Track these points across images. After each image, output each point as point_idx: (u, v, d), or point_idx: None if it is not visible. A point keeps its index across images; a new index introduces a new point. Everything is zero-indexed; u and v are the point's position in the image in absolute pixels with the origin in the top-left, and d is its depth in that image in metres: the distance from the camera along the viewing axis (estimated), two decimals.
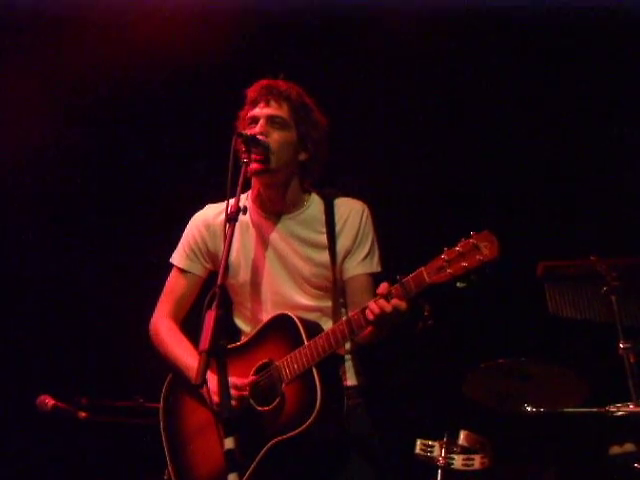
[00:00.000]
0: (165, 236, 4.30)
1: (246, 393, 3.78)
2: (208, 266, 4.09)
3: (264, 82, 4.00)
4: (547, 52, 6.31)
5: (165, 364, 4.08)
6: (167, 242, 4.24)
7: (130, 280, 4.60)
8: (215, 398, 3.65)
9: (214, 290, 3.58)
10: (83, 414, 5.07)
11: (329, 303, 3.96)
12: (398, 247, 4.02)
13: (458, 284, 3.53)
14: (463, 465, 5.46)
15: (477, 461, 5.48)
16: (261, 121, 3.91)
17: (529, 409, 5.30)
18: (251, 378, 3.82)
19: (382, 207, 4.10)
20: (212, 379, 3.56)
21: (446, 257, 3.53)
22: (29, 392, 5.18)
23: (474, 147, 6.43)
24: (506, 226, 3.70)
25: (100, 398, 5.13)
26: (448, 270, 3.52)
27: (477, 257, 3.49)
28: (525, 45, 6.30)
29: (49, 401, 5.08)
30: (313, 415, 3.67)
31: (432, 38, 6.27)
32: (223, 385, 3.52)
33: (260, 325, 3.95)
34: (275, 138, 3.90)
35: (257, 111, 3.94)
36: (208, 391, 3.70)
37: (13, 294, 6.87)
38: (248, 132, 3.86)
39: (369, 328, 3.71)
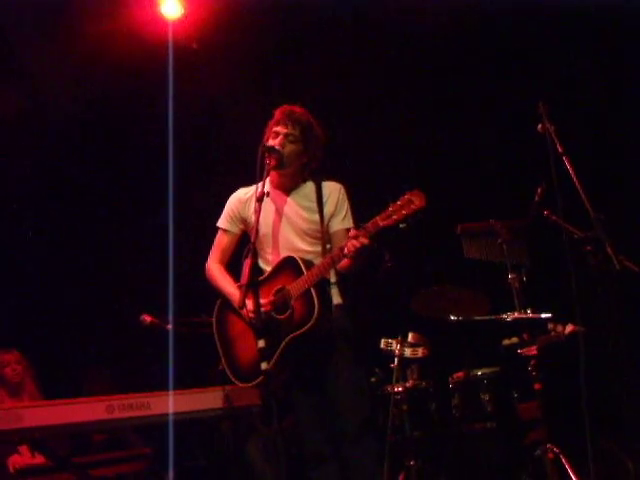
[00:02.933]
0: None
1: (269, 308, 3.79)
2: (241, 227, 4.07)
3: (286, 108, 3.96)
4: None
5: (216, 292, 4.07)
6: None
7: (197, 242, 4.51)
8: (251, 314, 3.66)
9: (249, 246, 3.62)
10: (168, 326, 5.02)
11: (319, 248, 3.93)
12: (361, 209, 3.98)
13: (400, 225, 3.54)
14: (411, 354, 5.43)
15: (420, 352, 5.48)
16: (280, 137, 3.89)
17: (453, 318, 5.31)
18: (271, 298, 3.82)
19: (351, 185, 4.06)
20: (248, 302, 3.60)
21: (392, 209, 3.55)
22: (135, 312, 5.12)
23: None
24: (434, 193, 3.62)
25: (179, 315, 5.08)
26: (393, 217, 3.54)
27: (412, 207, 3.51)
28: None
29: (147, 318, 5.03)
30: (313, 318, 3.69)
31: None
32: (257, 305, 3.57)
33: (275, 264, 3.93)
34: (287, 149, 3.89)
35: (278, 129, 3.92)
36: (246, 309, 3.69)
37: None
38: (270, 143, 3.86)
39: (346, 260, 3.72)
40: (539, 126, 3.79)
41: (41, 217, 6.68)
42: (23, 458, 5.19)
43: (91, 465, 4.86)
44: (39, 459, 5.17)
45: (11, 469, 5.04)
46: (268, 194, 3.80)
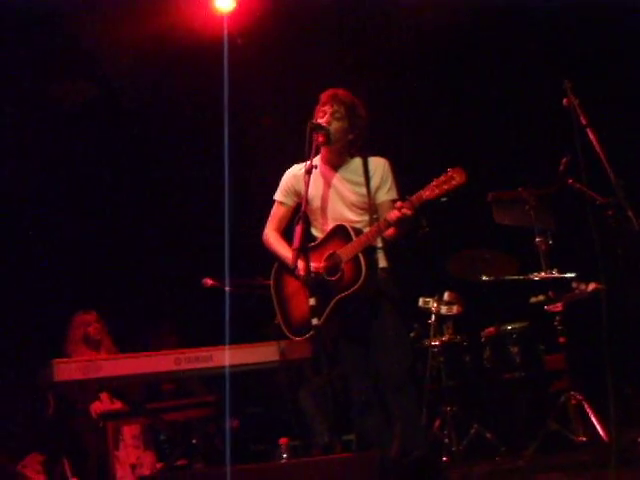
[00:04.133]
0: None
1: (321, 271, 3.84)
2: (295, 199, 4.10)
3: (331, 90, 3.97)
4: None
5: (273, 257, 4.12)
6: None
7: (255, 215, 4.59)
8: (302, 274, 3.73)
9: (300, 214, 3.68)
10: (229, 288, 5.07)
11: (367, 218, 3.94)
12: (407, 182, 4.00)
13: (442, 199, 3.58)
14: (447, 311, 5.47)
15: (455, 309, 5.51)
16: (327, 115, 3.91)
17: (485, 278, 5.33)
18: (323, 262, 3.87)
19: (396, 160, 4.07)
20: (300, 263, 3.68)
21: (435, 183, 3.60)
22: (198, 275, 5.19)
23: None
24: (472, 167, 3.64)
25: (237, 277, 5.11)
26: (436, 191, 3.58)
27: (453, 182, 3.55)
28: None
29: (208, 281, 5.12)
30: (361, 280, 3.74)
31: None
32: (308, 267, 3.64)
33: (326, 232, 3.97)
34: (334, 126, 3.90)
35: (325, 109, 3.93)
36: (298, 270, 3.76)
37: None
38: (318, 121, 3.88)
39: (391, 229, 3.77)
40: (564, 100, 3.77)
41: (112, 187, 6.75)
42: (103, 404, 5.38)
43: (162, 410, 4.99)
44: (117, 405, 5.36)
45: (93, 414, 5.21)
46: (316, 167, 3.83)
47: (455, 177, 3.56)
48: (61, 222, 6.50)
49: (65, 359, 4.55)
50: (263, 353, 4.60)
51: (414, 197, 3.65)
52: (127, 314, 6.43)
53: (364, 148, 4.03)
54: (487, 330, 5.54)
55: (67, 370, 4.20)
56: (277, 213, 4.15)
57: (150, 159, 6.70)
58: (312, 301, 3.56)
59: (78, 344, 5.62)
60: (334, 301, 3.80)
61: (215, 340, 4.76)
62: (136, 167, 6.73)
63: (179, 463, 5.49)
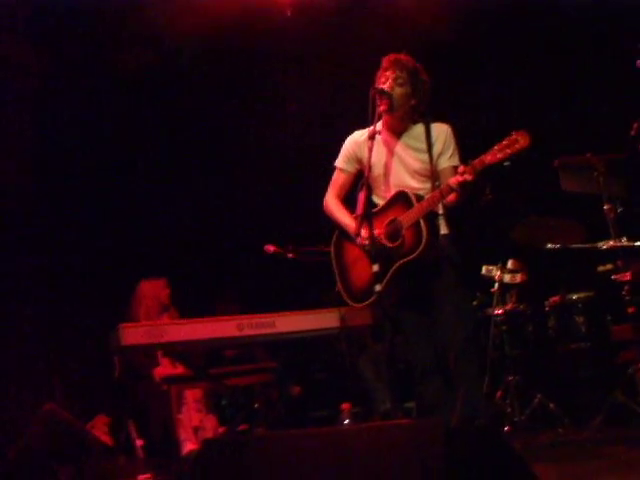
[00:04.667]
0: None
1: (382, 237, 3.86)
2: (357, 166, 4.11)
3: (393, 56, 3.95)
4: None
5: (334, 224, 4.16)
6: None
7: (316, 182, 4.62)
8: (366, 241, 3.77)
9: (362, 180, 3.71)
10: (291, 255, 5.17)
11: (429, 185, 3.93)
12: (468, 148, 3.98)
13: (505, 163, 3.56)
14: (511, 280, 5.42)
15: (518, 277, 5.46)
16: (389, 80, 3.89)
17: (550, 246, 5.27)
18: (384, 229, 3.89)
19: (458, 126, 4.05)
20: (363, 230, 3.72)
21: (497, 147, 3.57)
22: (260, 243, 5.27)
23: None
24: (537, 131, 3.59)
25: (300, 245, 5.20)
26: (499, 155, 3.55)
27: (516, 146, 3.52)
28: None
29: (270, 248, 5.19)
30: (421, 247, 3.76)
31: None
32: (370, 233, 3.67)
33: (388, 198, 3.98)
34: (396, 91, 3.88)
35: (387, 74, 3.91)
36: (361, 237, 3.80)
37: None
38: (381, 87, 3.86)
39: (452, 195, 3.77)
40: (637, 62, 3.68)
41: (168, 157, 6.83)
42: (165, 369, 5.53)
43: (225, 375, 5.11)
44: (179, 369, 5.51)
45: (157, 378, 5.36)
46: (380, 132, 3.83)
47: (519, 140, 3.52)
48: (125, 188, 6.64)
49: (131, 324, 4.69)
50: (324, 320, 4.66)
51: (476, 162, 3.63)
52: (190, 281, 6.56)
53: (427, 114, 4.01)
54: (552, 299, 5.49)
55: (133, 335, 4.34)
56: (338, 180, 4.17)
57: (208, 125, 6.75)
58: (375, 267, 3.58)
59: (146, 309, 5.77)
60: (395, 267, 3.82)
61: (277, 307, 4.86)
62: (195, 133, 6.78)
63: (241, 428, 5.64)
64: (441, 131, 3.97)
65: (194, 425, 5.49)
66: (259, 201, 6.89)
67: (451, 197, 3.79)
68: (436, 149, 3.93)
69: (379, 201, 4.03)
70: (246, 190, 6.92)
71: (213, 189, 6.94)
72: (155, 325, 4.58)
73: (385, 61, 3.96)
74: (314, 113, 6.57)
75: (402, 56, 3.96)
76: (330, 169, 4.20)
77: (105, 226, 6.57)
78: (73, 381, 6.02)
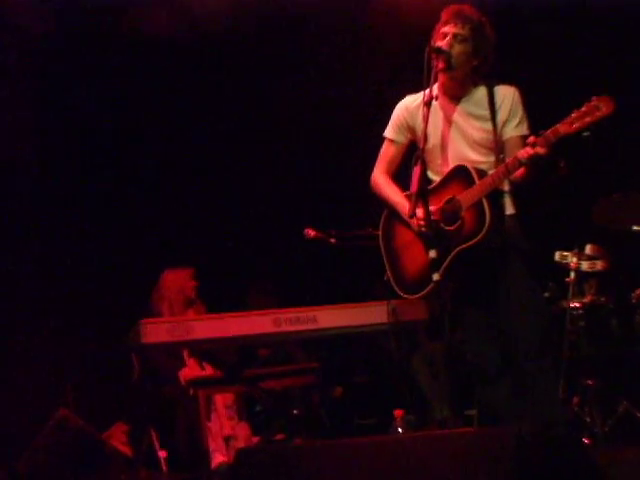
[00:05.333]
0: None
1: (438, 217, 3.85)
2: (409, 137, 4.11)
3: (455, 7, 3.93)
4: None
5: (383, 203, 4.17)
6: None
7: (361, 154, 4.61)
8: (421, 223, 3.78)
9: (417, 152, 3.71)
10: (333, 240, 5.16)
11: (492, 158, 3.90)
12: (539, 115, 3.95)
13: (584, 134, 3.53)
14: (589, 267, 5.36)
15: (599, 265, 5.40)
16: (448, 37, 3.87)
17: (636, 228, 5.24)
18: (441, 207, 3.89)
19: (528, 90, 4.01)
20: (418, 210, 3.72)
21: (575, 115, 3.53)
22: (299, 227, 5.28)
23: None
24: (622, 97, 3.53)
25: (343, 229, 5.20)
26: (576, 124, 3.52)
27: (597, 114, 3.47)
28: None
29: (311, 232, 5.18)
30: (484, 230, 3.75)
31: None
32: (427, 214, 3.68)
33: (445, 174, 3.97)
34: (456, 49, 3.86)
35: (446, 29, 3.89)
36: (416, 218, 3.78)
37: None
38: (438, 44, 3.84)
39: (520, 170, 3.75)
40: None
41: (205, 137, 6.92)
42: (192, 370, 5.61)
43: (259, 378, 5.15)
44: (208, 371, 5.59)
45: (182, 381, 5.42)
46: (437, 97, 3.82)
47: (601, 107, 3.48)
48: (144, 164, 6.76)
49: (153, 319, 4.76)
50: (371, 314, 4.68)
51: (549, 132, 3.59)
52: (219, 271, 6.64)
53: (490, 75, 3.99)
54: (638, 291, 5.43)
55: (155, 332, 4.41)
56: (387, 153, 4.18)
57: (241, 98, 6.82)
58: (432, 253, 3.59)
59: (170, 303, 5.85)
60: (453, 254, 3.82)
61: (318, 299, 4.89)
62: (228, 107, 6.84)
63: (277, 437, 5.70)
64: (507, 95, 3.94)
65: (225, 434, 5.55)
66: (297, 180, 6.92)
67: (519, 172, 3.77)
68: (501, 116, 3.90)
69: (435, 177, 4.03)
70: (282, 167, 6.96)
71: (244, 166, 6.99)
72: (180, 321, 4.65)
73: (445, 13, 3.94)
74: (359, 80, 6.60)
75: (465, 7, 3.93)
76: (378, 142, 4.20)
77: (123, 209, 6.67)
78: (87, 384, 6.11)
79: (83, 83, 6.35)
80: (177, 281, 5.95)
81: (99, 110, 6.45)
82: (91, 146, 6.55)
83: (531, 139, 3.65)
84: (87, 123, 6.47)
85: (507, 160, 3.77)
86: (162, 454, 5.39)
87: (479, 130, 3.94)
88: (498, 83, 3.98)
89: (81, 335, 6.28)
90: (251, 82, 6.71)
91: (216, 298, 5.96)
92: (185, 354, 5.66)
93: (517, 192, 3.95)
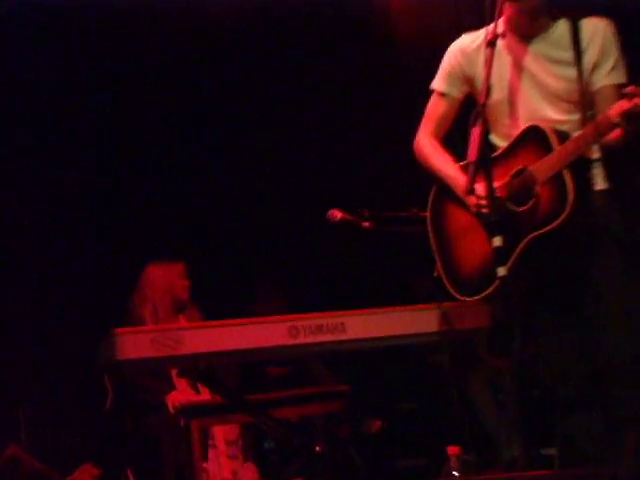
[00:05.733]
0: None
1: (504, 194, 3.81)
2: (465, 88, 4.09)
3: None
4: None
5: (430, 176, 4.14)
6: None
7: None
8: (482, 202, 3.73)
9: (477, 109, 3.65)
10: (367, 224, 5.14)
11: (577, 116, 3.86)
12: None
13: None
14: None
15: None
16: None
17: None
18: (508, 182, 3.85)
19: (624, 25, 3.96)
20: (478, 186, 3.67)
21: None
22: (322, 208, 5.28)
23: None
24: None
25: (381, 210, 5.19)
26: None
27: None
28: None
29: (338, 214, 5.17)
30: (566, 211, 3.69)
31: None
32: (490, 190, 3.63)
33: (513, 138, 3.93)
34: None
35: None
36: (475, 196, 3.75)
37: None
38: None
39: (616, 131, 3.68)
40: None
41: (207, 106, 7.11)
42: (183, 395, 5.60)
43: (271, 404, 5.10)
44: (204, 396, 5.57)
45: (171, 408, 5.43)
46: (502, 35, 3.81)
47: None
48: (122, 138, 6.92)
49: (132, 328, 4.73)
50: (417, 321, 4.60)
51: None
52: (218, 266, 6.72)
53: (573, 6, 3.94)
54: None
55: (135, 344, 4.33)
56: (436, 110, 4.16)
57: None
58: (497, 241, 3.54)
59: (154, 308, 5.88)
60: (525, 242, 3.79)
61: (346, 302, 4.84)
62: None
63: None
64: (596, 30, 3.88)
65: (225, 478, 5.57)
66: (315, 147, 6.99)
67: (613, 134, 3.72)
68: (589, 58, 3.86)
69: (501, 142, 4.01)
70: (301, 134, 7.03)
71: (247, 135, 7.17)
72: (167, 330, 4.58)
73: None
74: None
75: None
76: (424, 97, 4.18)
77: (96, 187, 6.85)
78: (46, 414, 6.13)
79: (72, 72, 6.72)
80: (164, 279, 5.97)
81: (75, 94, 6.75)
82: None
83: (630, 89, 3.58)
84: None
85: (597, 118, 3.72)
86: None
87: (559, 79, 3.89)
88: (584, 16, 3.92)
89: (38, 350, 6.29)
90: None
91: (214, 301, 5.98)
92: (174, 374, 5.65)
93: (610, 161, 3.90)
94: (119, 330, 4.41)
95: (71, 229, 6.68)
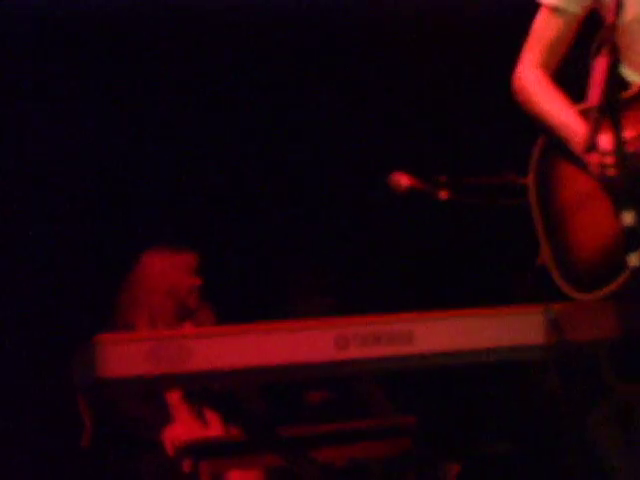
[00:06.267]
0: None
1: (638, 151, 3.81)
2: (586, 2, 4.09)
3: None
4: None
5: (535, 124, 4.14)
6: None
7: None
8: (609, 160, 3.71)
9: (603, 32, 3.63)
10: (444, 194, 5.18)
11: None
12: None
13: None
14: None
15: None
16: None
17: None
18: None
19: None
20: (602, 139, 3.60)
21: None
22: (380, 173, 5.33)
23: None
24: None
25: (463, 176, 5.22)
26: None
27: None
28: None
29: (404, 180, 5.21)
30: None
31: None
32: (619, 145, 3.61)
33: None
34: None
35: None
36: (599, 153, 3.71)
37: None
38: None
39: None
40: None
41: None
42: (187, 427, 5.65)
43: (308, 441, 5.18)
44: (214, 429, 5.62)
45: (170, 446, 5.48)
46: None
47: None
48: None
49: (119, 335, 4.77)
50: (514, 329, 4.61)
51: None
52: (237, 256, 6.87)
53: None
54: None
55: (123, 357, 4.36)
56: (546, 31, 4.17)
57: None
58: (628, 217, 3.52)
59: (151, 313, 5.97)
60: None
61: (413, 303, 4.87)
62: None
63: None
64: None
65: None
66: (368, 96, 7.11)
67: None
68: None
69: (635, 77, 4.03)
70: (352, 83, 7.20)
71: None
72: (169, 339, 4.61)
73: None
74: None
75: None
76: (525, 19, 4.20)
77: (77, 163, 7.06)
78: (10, 449, 6.20)
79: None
80: (166, 275, 6.03)
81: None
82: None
83: None
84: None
85: None
86: None
87: None
88: None
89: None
90: None
91: (231, 298, 6.01)
92: (173, 399, 5.71)
93: None
94: (101, 337, 4.44)
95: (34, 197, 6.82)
